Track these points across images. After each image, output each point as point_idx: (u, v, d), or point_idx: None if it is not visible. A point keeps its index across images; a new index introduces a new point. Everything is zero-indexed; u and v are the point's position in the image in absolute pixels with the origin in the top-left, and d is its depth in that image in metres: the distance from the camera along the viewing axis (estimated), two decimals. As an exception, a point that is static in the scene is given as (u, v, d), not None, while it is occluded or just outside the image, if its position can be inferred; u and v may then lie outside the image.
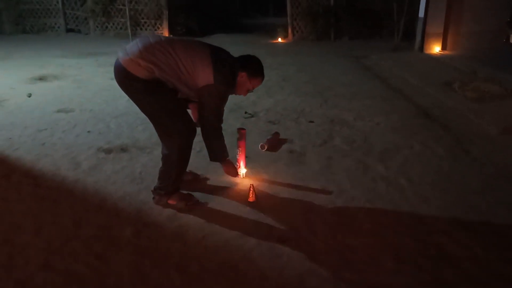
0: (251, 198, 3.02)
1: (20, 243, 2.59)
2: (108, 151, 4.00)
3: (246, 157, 3.44)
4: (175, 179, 2.97)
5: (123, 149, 4.04)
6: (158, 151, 3.96)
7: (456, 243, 2.56)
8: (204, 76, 2.74)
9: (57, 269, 2.35)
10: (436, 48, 8.46)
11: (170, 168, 2.92)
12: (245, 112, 5.17)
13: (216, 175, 3.44)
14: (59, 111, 5.28)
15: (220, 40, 12.72)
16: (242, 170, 3.37)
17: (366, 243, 2.58)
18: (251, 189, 3.03)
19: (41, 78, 7.08)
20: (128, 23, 11.39)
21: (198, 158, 3.69)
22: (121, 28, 12.97)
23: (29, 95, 5.95)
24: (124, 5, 12.03)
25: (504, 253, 2.46)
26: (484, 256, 2.44)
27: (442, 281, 2.24)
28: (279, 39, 12.43)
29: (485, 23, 7.89)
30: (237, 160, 3.38)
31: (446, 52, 8.43)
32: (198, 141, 3.97)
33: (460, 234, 2.66)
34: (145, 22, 12.98)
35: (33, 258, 2.44)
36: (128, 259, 2.43)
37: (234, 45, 11.55)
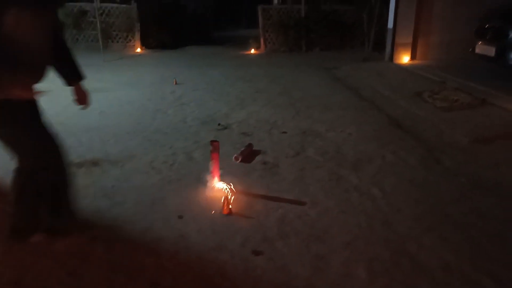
0: (225, 210, 3.02)
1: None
2: (79, 165, 3.92)
3: (220, 169, 3.44)
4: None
5: (95, 163, 3.97)
6: (130, 165, 3.95)
7: (429, 253, 2.61)
8: None
9: (29, 286, 2.30)
10: (405, 58, 8.70)
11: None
12: (218, 124, 5.17)
13: (186, 188, 3.42)
14: (27, 125, 5.15)
15: (192, 52, 12.75)
16: (217, 183, 3.36)
17: (340, 254, 2.60)
18: (225, 201, 3.03)
19: (9, 92, 6.90)
20: (100, 36, 11.25)
21: (171, 172, 3.67)
22: (92, 40, 12.80)
23: (-4, 110, 5.78)
24: (95, 17, 11.89)
25: (477, 262, 2.52)
26: (457, 264, 2.49)
27: (415, 290, 2.29)
28: (252, 51, 12.52)
29: (453, 33, 8.16)
30: (210, 173, 3.37)
31: (415, 61, 8.67)
32: (171, 154, 3.97)
33: (433, 243, 2.71)
34: (117, 35, 12.87)
35: (4, 275, 2.38)
36: (101, 275, 2.39)
37: (206, 57, 11.62)
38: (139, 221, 2.95)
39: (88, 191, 3.40)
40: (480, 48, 6.57)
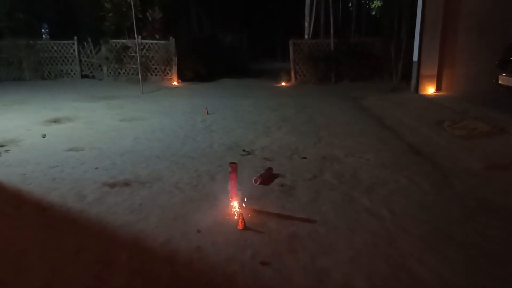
0: (240, 225, 3.27)
1: (26, 265, 2.85)
2: (112, 185, 4.30)
3: (239, 189, 3.70)
4: None
5: (126, 184, 4.34)
6: (158, 185, 4.28)
7: (428, 269, 2.74)
8: None
9: (56, 287, 2.60)
10: (430, 90, 8.81)
11: None
12: (243, 150, 5.47)
13: (206, 206, 3.71)
14: (70, 150, 5.65)
15: (226, 84, 13.30)
16: (234, 201, 3.62)
17: (343, 267, 2.78)
18: (240, 217, 3.28)
19: (56, 120, 7.54)
20: (139, 69, 12.01)
21: (194, 192, 3.97)
22: (132, 74, 13.65)
23: (44, 136, 6.36)
24: (136, 52, 12.73)
25: (473, 279, 2.64)
26: (453, 280, 2.62)
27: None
28: (283, 83, 12.94)
29: (477, 65, 8.25)
30: (229, 192, 3.64)
31: (440, 93, 8.77)
32: (196, 176, 4.30)
33: (433, 260, 2.84)
34: (155, 68, 13.66)
35: (36, 279, 2.70)
36: (123, 280, 2.68)
37: (239, 89, 12.11)
38: (161, 234, 3.24)
39: (118, 208, 3.74)
40: (503, 79, 6.64)
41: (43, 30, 17.44)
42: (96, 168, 4.85)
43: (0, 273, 2.77)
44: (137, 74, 12.53)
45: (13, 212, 3.69)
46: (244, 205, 3.56)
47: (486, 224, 3.36)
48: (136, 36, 11.96)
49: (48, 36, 17.32)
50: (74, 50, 14.25)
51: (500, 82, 6.82)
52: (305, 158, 5.15)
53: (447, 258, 2.87)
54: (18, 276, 2.73)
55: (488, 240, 3.10)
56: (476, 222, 3.40)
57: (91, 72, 14.41)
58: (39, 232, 3.33)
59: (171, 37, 13.34)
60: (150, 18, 13.54)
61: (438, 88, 8.84)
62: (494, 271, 2.72)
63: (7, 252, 3.04)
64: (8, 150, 5.62)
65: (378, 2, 22.64)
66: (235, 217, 3.41)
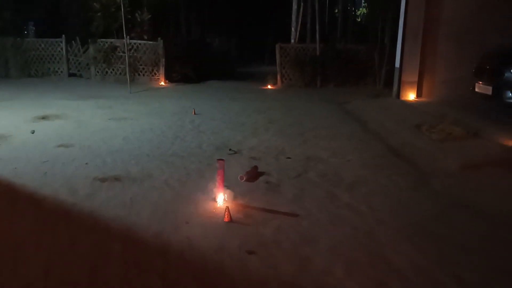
0: (226, 218, 3.45)
1: (23, 256, 2.97)
2: (103, 180, 4.43)
3: (226, 185, 3.88)
4: None
5: (117, 179, 4.48)
6: (148, 182, 4.43)
7: (403, 257, 2.97)
8: None
9: (54, 277, 2.74)
10: (411, 95, 9.13)
11: None
12: (229, 149, 5.66)
13: (195, 201, 3.88)
14: (60, 146, 5.76)
15: (214, 86, 13.48)
16: (221, 196, 3.80)
17: (323, 256, 2.99)
18: (227, 211, 3.46)
19: (44, 118, 7.62)
20: (127, 69, 12.11)
21: (184, 188, 4.14)
22: (120, 73, 13.73)
23: (33, 132, 6.45)
24: (124, 52, 12.81)
25: (444, 266, 2.86)
26: (426, 267, 2.85)
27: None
28: (269, 86, 13.17)
29: (456, 72, 8.56)
30: (216, 187, 3.82)
31: (421, 99, 9.09)
32: (185, 174, 4.46)
33: (408, 250, 3.07)
34: (143, 69, 13.77)
35: (33, 268, 2.83)
36: (117, 269, 2.82)
37: (227, 91, 12.30)
38: (152, 227, 3.40)
39: (110, 202, 3.89)
40: (479, 87, 6.96)
41: (29, 27, 17.35)
42: (87, 164, 4.98)
43: (-2, 261, 2.91)
44: (125, 74, 12.62)
45: (7, 205, 3.81)
46: (230, 200, 3.75)
47: (459, 219, 3.61)
48: (125, 36, 12.06)
49: (33, 33, 17.21)
50: (61, 49, 14.27)
51: (476, 89, 7.13)
52: (289, 158, 5.35)
53: (421, 248, 3.10)
54: (16, 265, 2.86)
55: (459, 232, 3.35)
56: (449, 217, 3.66)
57: (79, 71, 14.44)
58: (34, 224, 3.45)
59: (159, 38, 13.47)
60: (139, 19, 13.66)
61: (418, 94, 9.16)
62: (464, 260, 2.95)
63: (3, 243, 3.17)
64: (-2, 146, 5.71)
65: (364, 9, 23.14)
66: (222, 211, 3.58)
